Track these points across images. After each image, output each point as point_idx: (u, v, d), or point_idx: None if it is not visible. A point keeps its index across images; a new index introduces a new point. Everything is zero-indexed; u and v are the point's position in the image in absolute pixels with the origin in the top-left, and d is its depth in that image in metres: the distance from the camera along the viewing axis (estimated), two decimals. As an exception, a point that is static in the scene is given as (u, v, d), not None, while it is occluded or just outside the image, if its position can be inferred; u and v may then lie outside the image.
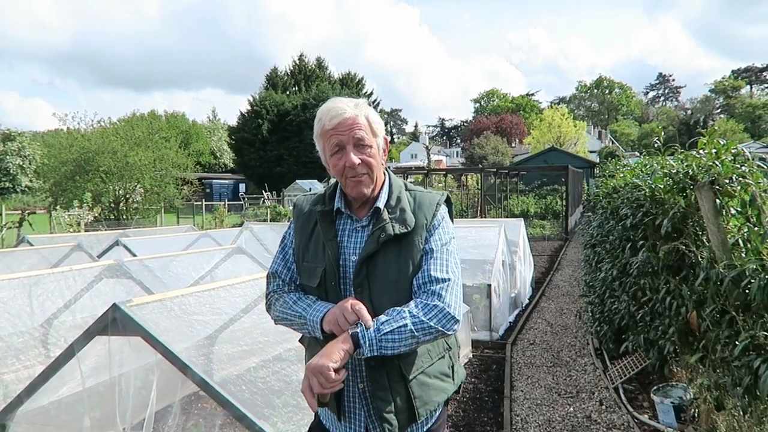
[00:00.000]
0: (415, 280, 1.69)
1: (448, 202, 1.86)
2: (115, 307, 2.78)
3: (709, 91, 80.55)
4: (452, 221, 1.86)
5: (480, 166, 29.89)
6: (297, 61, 51.78)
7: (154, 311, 2.99)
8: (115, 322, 2.77)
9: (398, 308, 1.63)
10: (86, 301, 4.54)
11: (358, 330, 1.58)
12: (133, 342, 2.79)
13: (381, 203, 1.77)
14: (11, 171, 45.34)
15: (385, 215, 1.74)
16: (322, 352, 1.56)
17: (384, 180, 1.83)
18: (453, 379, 1.84)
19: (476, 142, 54.01)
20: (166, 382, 2.82)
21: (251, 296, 3.73)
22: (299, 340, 1.93)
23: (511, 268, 7.86)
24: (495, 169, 25.00)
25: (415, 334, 1.59)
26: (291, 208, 1.82)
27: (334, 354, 1.53)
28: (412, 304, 1.64)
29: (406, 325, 1.58)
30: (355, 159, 1.70)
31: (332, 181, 1.88)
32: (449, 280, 1.68)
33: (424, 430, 1.80)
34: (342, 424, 1.78)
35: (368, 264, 1.70)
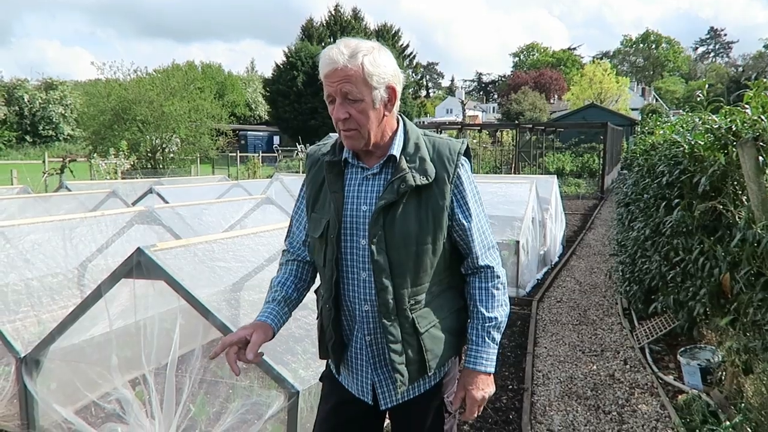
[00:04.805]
0: (470, 257, 1.75)
1: (467, 153, 1.76)
2: (139, 251, 2.82)
3: (764, 46, 76.25)
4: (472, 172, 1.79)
5: (516, 122, 29.19)
6: (333, 12, 50.77)
7: (179, 256, 3.03)
8: (139, 265, 2.81)
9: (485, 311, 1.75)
10: (118, 246, 4.65)
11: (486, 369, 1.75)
12: (157, 286, 2.84)
13: (395, 151, 1.68)
14: (54, 119, 46.41)
15: (404, 164, 1.65)
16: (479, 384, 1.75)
17: (397, 127, 1.73)
18: (465, 337, 1.81)
19: (513, 97, 52.63)
20: (190, 326, 2.88)
21: (277, 245, 3.75)
22: (314, 291, 1.91)
23: (541, 226, 7.75)
24: (531, 126, 24.37)
25: (505, 309, 1.80)
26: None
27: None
28: (492, 288, 1.77)
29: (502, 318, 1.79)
30: (341, 114, 1.61)
31: None
32: (496, 247, 1.83)
33: (434, 383, 1.78)
34: (349, 375, 1.78)
35: (385, 214, 1.63)
